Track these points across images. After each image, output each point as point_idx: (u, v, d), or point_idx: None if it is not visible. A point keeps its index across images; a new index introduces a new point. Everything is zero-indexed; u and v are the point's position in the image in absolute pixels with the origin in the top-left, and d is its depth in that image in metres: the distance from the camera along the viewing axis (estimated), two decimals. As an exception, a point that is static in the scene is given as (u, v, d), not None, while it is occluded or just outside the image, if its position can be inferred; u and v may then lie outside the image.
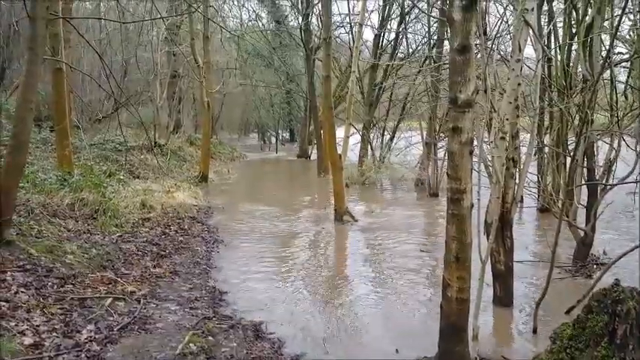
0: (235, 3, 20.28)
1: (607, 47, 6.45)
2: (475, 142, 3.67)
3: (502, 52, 6.75)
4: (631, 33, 8.17)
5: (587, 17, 6.33)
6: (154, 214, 8.01)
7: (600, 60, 6.15)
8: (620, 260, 4.34)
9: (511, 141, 4.61)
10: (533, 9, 4.36)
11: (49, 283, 4.30)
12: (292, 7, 21.51)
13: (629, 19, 7.24)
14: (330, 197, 10.20)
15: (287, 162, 22.10)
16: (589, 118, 5.43)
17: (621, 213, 8.89)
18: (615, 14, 7.00)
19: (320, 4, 16.64)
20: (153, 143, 14.15)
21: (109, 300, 4.30)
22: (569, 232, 6.34)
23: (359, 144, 15.92)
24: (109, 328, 3.75)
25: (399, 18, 16.54)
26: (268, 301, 5.02)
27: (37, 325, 3.54)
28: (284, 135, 31.45)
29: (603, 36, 6.62)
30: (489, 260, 4.56)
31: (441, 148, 12.04)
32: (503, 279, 4.84)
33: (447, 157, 3.91)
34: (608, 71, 6.37)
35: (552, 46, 8.03)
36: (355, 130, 14.86)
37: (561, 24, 7.93)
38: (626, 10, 6.34)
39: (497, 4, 8.04)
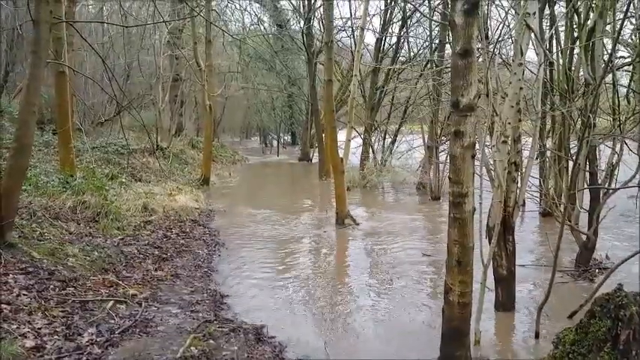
0: (237, 7, 20.35)
1: (609, 51, 6.45)
2: (477, 146, 3.67)
3: (504, 56, 6.75)
4: (633, 37, 8.19)
5: (589, 21, 6.33)
6: (155, 217, 8.02)
7: (602, 64, 6.15)
8: (623, 265, 4.33)
9: (513, 145, 4.61)
10: (534, 13, 4.36)
11: (51, 286, 4.30)
12: (294, 11, 21.59)
13: (631, 23, 7.26)
14: (331, 201, 10.20)
15: (288, 165, 22.11)
16: (591, 121, 5.42)
17: (622, 215, 8.87)
18: (617, 18, 7.02)
19: (322, 8, 16.72)
20: (155, 146, 14.17)
21: (111, 303, 4.29)
22: (571, 236, 6.33)
23: (360, 147, 15.93)
24: (110, 331, 3.75)
25: (400, 22, 16.59)
26: (269, 304, 5.01)
27: (38, 328, 3.54)
28: (285, 138, 31.48)
29: (605, 40, 6.62)
30: (491, 264, 4.55)
31: (442, 151, 12.03)
32: (505, 283, 4.82)
33: (448, 161, 3.91)
34: (610, 75, 6.37)
35: (554, 49, 8.04)
36: (357, 134, 14.87)
37: (563, 28, 7.94)
38: (628, 14, 6.36)
39: (498, 8, 8.06)
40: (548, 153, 8.30)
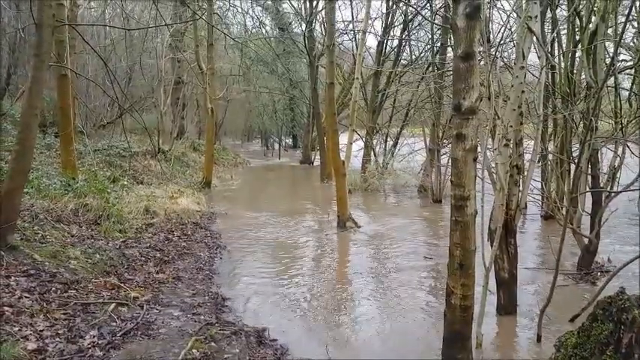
0: (239, 10, 20.40)
1: (611, 54, 6.45)
2: (479, 149, 3.67)
3: (506, 60, 6.76)
4: (635, 40, 8.19)
5: (591, 24, 6.33)
6: (157, 220, 8.02)
7: (604, 67, 6.15)
8: (625, 268, 4.32)
9: (515, 148, 4.62)
10: (536, 16, 4.37)
11: (53, 288, 4.31)
12: (296, 14, 21.65)
13: (633, 27, 7.26)
14: (333, 203, 10.20)
15: (290, 168, 22.12)
16: (593, 125, 5.41)
17: (625, 217, 8.85)
18: (619, 21, 7.02)
19: (323, 12, 16.77)
20: (157, 149, 14.20)
21: (112, 305, 4.30)
22: (573, 239, 6.32)
23: (362, 150, 15.94)
24: (112, 334, 3.75)
25: (402, 25, 16.61)
26: (271, 307, 5.01)
27: (40, 330, 3.55)
28: (287, 141, 31.50)
29: (607, 43, 6.62)
30: (493, 267, 4.55)
31: (444, 154, 12.04)
32: (507, 286, 4.82)
33: (450, 164, 3.92)
34: (612, 78, 6.37)
35: (556, 53, 8.04)
36: (358, 137, 14.89)
37: (565, 31, 7.94)
38: (630, 17, 6.36)
39: (500, 12, 8.07)
40: (550, 156, 8.30)
